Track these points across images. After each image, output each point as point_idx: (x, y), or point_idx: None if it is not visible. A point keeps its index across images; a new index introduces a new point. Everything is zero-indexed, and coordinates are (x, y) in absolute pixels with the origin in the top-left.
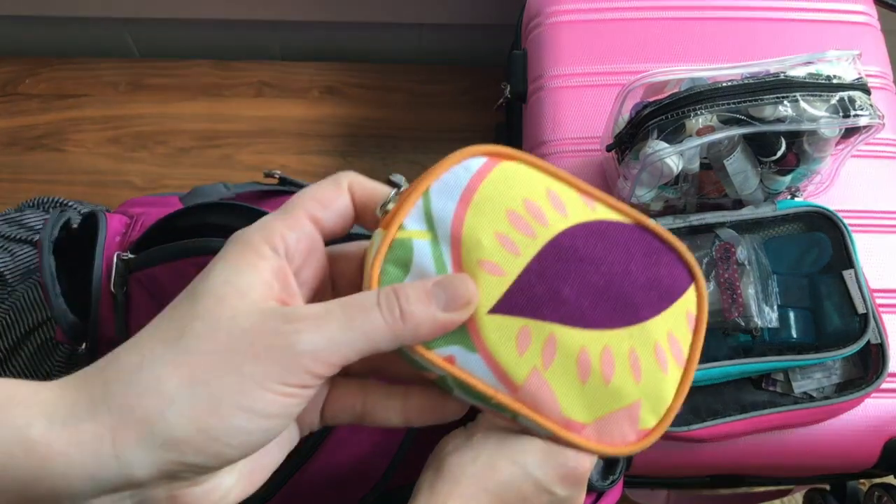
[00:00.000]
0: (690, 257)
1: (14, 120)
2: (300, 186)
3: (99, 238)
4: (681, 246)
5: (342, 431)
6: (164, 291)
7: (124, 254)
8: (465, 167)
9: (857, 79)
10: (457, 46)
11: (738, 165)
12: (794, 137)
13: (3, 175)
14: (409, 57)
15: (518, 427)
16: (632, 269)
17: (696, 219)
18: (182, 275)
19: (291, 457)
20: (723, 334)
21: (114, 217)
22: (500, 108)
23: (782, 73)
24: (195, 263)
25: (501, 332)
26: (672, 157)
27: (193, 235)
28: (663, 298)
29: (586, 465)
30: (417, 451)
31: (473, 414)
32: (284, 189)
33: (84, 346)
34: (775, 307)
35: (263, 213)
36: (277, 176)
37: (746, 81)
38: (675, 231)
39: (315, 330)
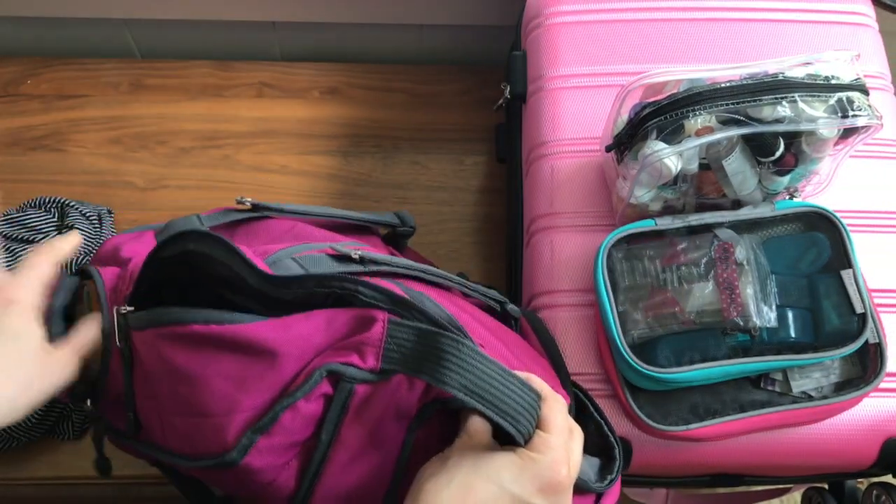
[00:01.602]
0: None
1: (15, 120)
2: (273, 210)
3: (101, 295)
4: None
5: (334, 468)
6: (140, 358)
7: (123, 308)
8: None
9: (856, 79)
10: (457, 47)
11: (736, 166)
12: (792, 138)
13: (4, 175)
14: (409, 57)
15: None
16: None
17: (694, 219)
18: (150, 346)
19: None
20: (721, 334)
21: (106, 270)
22: (500, 108)
23: (781, 73)
24: (160, 334)
25: None
26: (671, 158)
27: (178, 264)
28: None
29: (563, 472)
30: (412, 479)
31: (451, 439)
32: (257, 215)
33: (88, 401)
34: (774, 307)
35: (229, 245)
36: (249, 203)
37: (745, 82)
38: (674, 231)
39: None
